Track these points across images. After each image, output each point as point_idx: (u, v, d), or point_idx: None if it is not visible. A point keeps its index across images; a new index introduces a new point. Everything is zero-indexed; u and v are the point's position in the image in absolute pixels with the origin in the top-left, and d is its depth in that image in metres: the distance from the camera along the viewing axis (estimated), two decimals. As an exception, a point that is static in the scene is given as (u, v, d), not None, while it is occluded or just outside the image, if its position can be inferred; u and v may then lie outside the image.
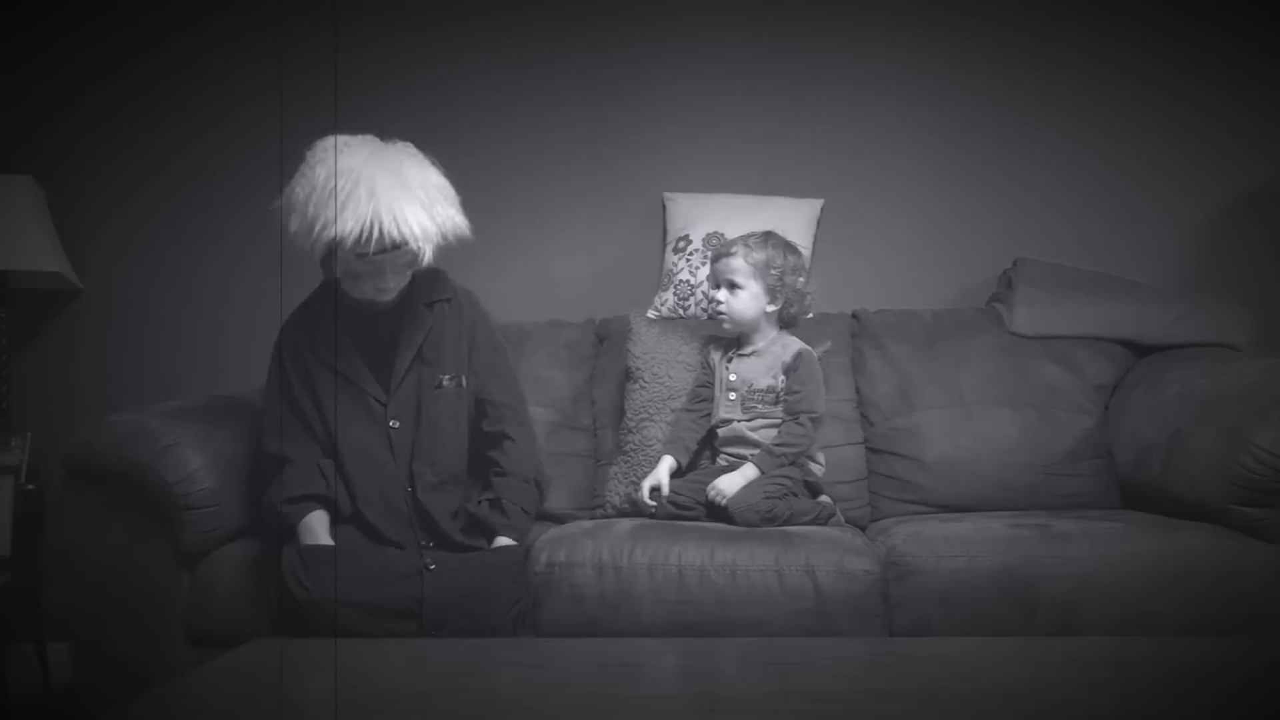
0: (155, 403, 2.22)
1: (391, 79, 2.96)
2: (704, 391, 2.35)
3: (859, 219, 2.87)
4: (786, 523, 2.10)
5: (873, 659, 1.54)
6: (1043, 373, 2.47)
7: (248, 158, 2.96)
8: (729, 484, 2.14)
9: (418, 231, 1.86)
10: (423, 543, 1.93)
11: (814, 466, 2.27)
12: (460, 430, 2.05)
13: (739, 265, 2.25)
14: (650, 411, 2.38)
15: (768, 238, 2.29)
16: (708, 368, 2.36)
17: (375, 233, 1.82)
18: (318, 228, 1.83)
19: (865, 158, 2.91)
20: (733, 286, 2.26)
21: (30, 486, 2.67)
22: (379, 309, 2.01)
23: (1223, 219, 2.84)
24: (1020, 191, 2.88)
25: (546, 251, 2.96)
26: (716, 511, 2.15)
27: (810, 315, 2.41)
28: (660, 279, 2.69)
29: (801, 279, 2.31)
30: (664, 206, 2.77)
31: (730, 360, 2.32)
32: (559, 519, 2.32)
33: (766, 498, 2.11)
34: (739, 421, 2.27)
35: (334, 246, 1.86)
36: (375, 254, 1.87)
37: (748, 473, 2.17)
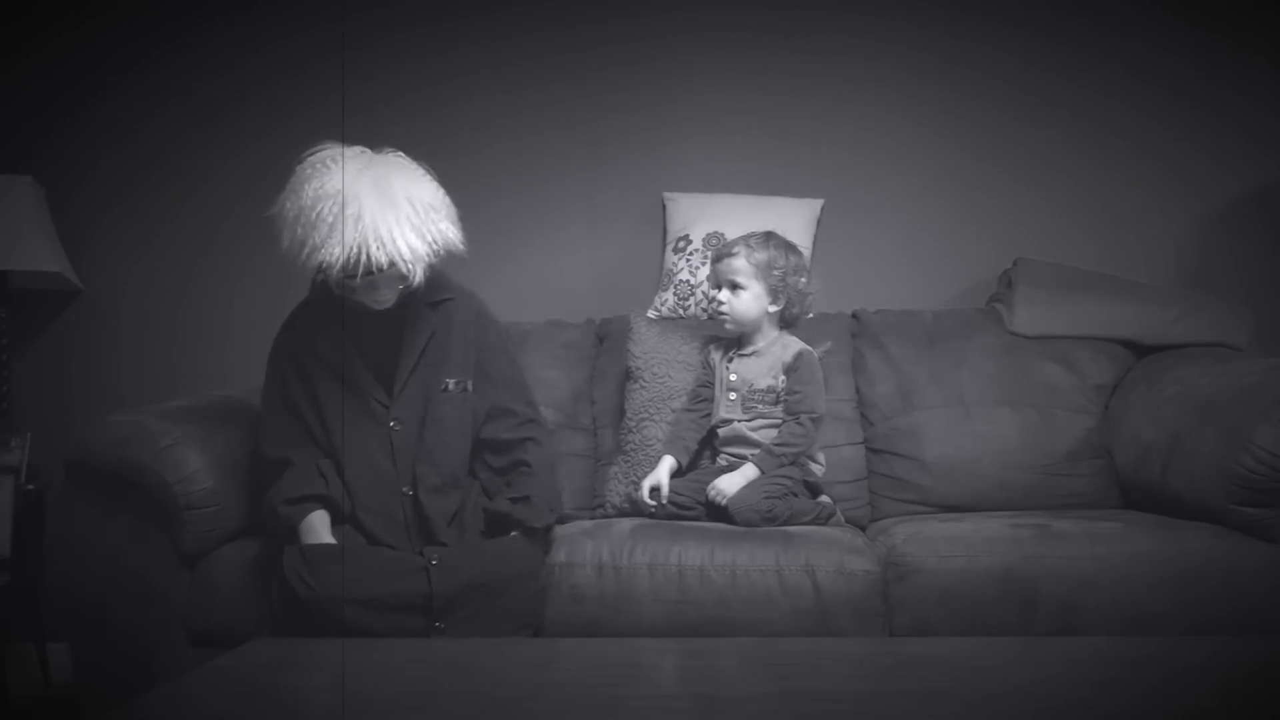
0: (155, 403, 2.22)
1: (392, 78, 2.96)
2: (704, 391, 2.35)
3: (859, 219, 2.87)
4: (786, 523, 2.10)
5: (873, 659, 1.54)
6: (1043, 373, 2.47)
7: (247, 158, 2.96)
8: (729, 484, 2.14)
9: (407, 254, 1.85)
10: (416, 549, 1.92)
11: (814, 466, 2.27)
12: (464, 433, 2.04)
13: (741, 266, 2.25)
14: (650, 411, 2.38)
15: (769, 238, 2.29)
16: (708, 368, 2.36)
17: (362, 258, 1.81)
18: (306, 251, 1.83)
19: (865, 157, 2.91)
20: (734, 287, 2.26)
21: (30, 486, 2.66)
22: (378, 311, 2.00)
23: (1223, 219, 2.84)
24: (1020, 191, 2.88)
25: (546, 251, 2.96)
26: (716, 511, 2.15)
27: (810, 315, 2.41)
28: (660, 279, 2.68)
29: (803, 279, 2.31)
30: (664, 206, 2.76)
31: (731, 360, 2.32)
32: (559, 519, 2.31)
33: (767, 498, 2.11)
34: (739, 421, 2.27)
35: (322, 269, 1.85)
36: (364, 276, 1.86)
37: (748, 473, 2.17)
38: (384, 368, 2.02)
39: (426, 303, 2.05)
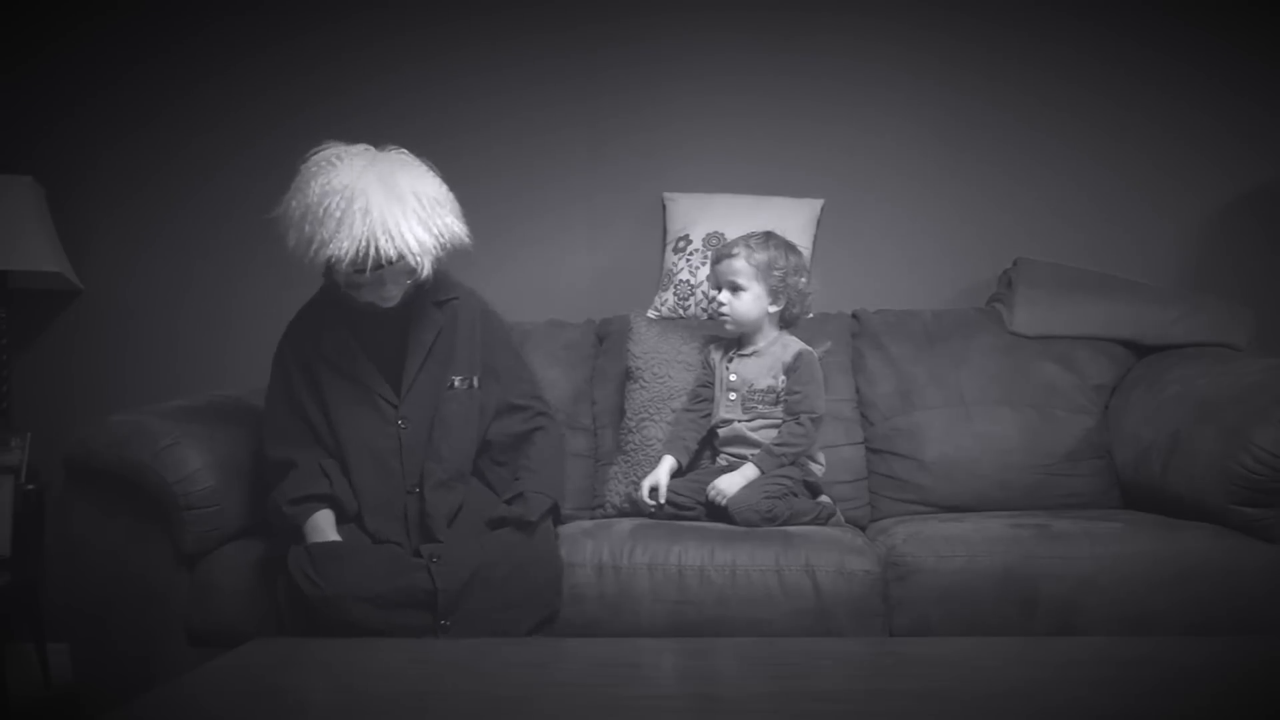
0: (155, 403, 2.22)
1: (392, 79, 2.96)
2: (704, 391, 2.35)
3: (859, 219, 2.87)
4: (786, 523, 2.10)
5: (873, 659, 1.54)
6: (1043, 373, 2.47)
7: (247, 157, 2.96)
8: (729, 484, 2.14)
9: (414, 246, 1.86)
10: (415, 547, 1.92)
11: (814, 466, 2.27)
12: (470, 430, 2.05)
13: (741, 267, 2.25)
14: (650, 411, 2.38)
15: (768, 238, 2.29)
16: (708, 368, 2.36)
17: (371, 251, 1.82)
18: (314, 246, 1.83)
19: (865, 158, 2.91)
20: (735, 289, 2.26)
21: (30, 486, 2.67)
22: (384, 309, 2.01)
23: (1222, 219, 2.84)
24: (1020, 191, 2.88)
25: (546, 251, 2.96)
26: (716, 511, 2.15)
27: (810, 315, 2.41)
28: (660, 279, 2.69)
29: (803, 279, 2.31)
30: (664, 206, 2.77)
31: (731, 360, 2.32)
32: (559, 517, 2.32)
33: (766, 498, 2.11)
34: (739, 421, 2.27)
35: (331, 264, 1.87)
36: (373, 270, 1.87)
37: (748, 473, 2.17)
38: (391, 366, 2.02)
39: (432, 302, 2.06)
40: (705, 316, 2.58)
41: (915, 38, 2.90)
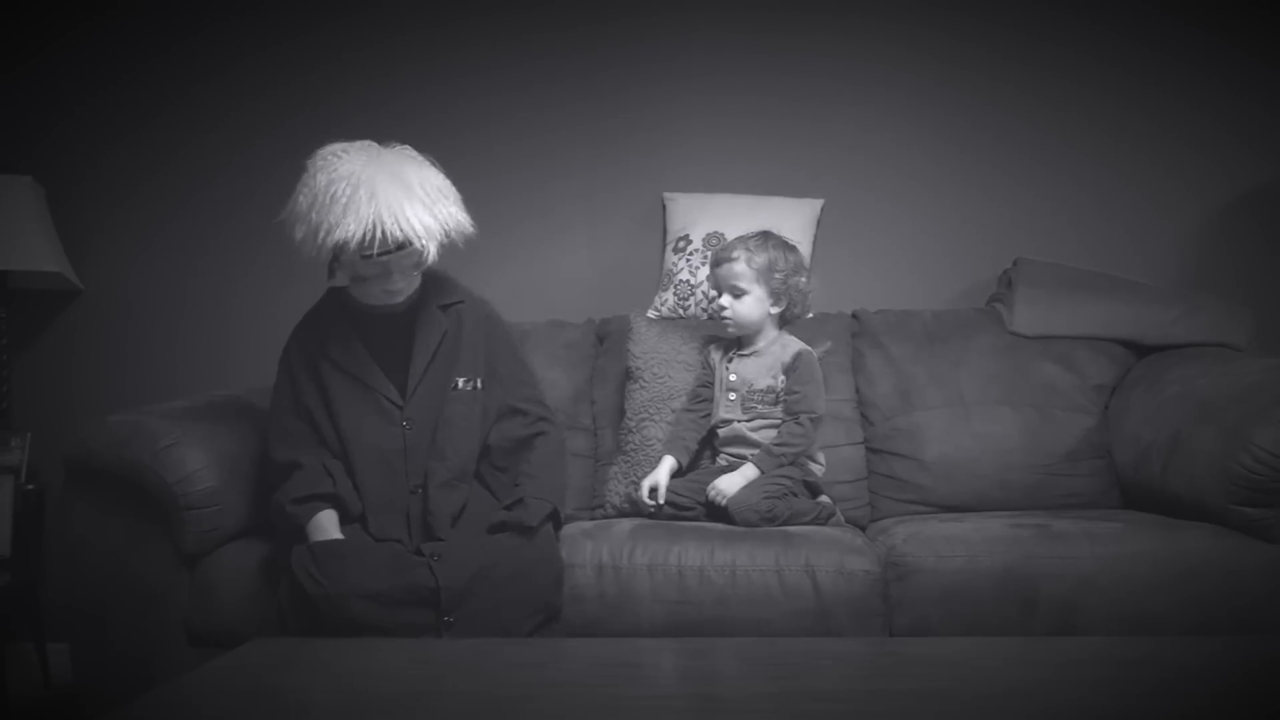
0: (155, 403, 2.22)
1: (392, 78, 2.96)
2: (704, 391, 2.35)
3: (859, 219, 2.87)
4: (786, 523, 2.10)
5: (873, 659, 1.54)
6: (1043, 373, 2.47)
7: (247, 157, 2.97)
8: (729, 484, 2.14)
9: (420, 230, 1.89)
10: (415, 546, 1.92)
11: (814, 466, 2.27)
12: (473, 430, 2.06)
13: (742, 271, 2.24)
14: (650, 411, 2.38)
15: (767, 238, 2.28)
16: (707, 368, 2.36)
17: (379, 233, 1.85)
18: (322, 233, 1.85)
19: (865, 157, 2.91)
20: (736, 292, 2.26)
21: (30, 486, 2.67)
22: (390, 312, 2.03)
23: (1222, 219, 2.84)
24: (1020, 191, 2.88)
25: (546, 251, 2.96)
26: (716, 511, 2.15)
27: (810, 315, 2.41)
28: (660, 279, 2.69)
29: (803, 279, 2.31)
30: (664, 206, 2.77)
31: (730, 360, 2.32)
32: (558, 521, 2.31)
33: (766, 498, 2.11)
34: (739, 422, 2.26)
35: (339, 251, 1.88)
36: (380, 255, 1.89)
37: (748, 473, 2.17)
38: (396, 369, 2.04)
39: (437, 305, 2.09)
40: (705, 316, 2.58)
41: (915, 38, 2.90)
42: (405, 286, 2.00)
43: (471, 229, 2.00)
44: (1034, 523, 2.04)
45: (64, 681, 2.62)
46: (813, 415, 2.22)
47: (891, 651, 1.63)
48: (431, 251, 1.93)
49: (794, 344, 2.28)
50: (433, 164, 1.99)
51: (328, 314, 2.09)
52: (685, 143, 2.93)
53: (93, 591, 2.05)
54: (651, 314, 2.64)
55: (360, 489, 1.97)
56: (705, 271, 2.55)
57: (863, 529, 2.28)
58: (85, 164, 3.00)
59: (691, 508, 2.18)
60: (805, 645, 1.66)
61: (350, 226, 1.84)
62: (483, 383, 2.08)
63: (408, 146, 1.99)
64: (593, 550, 1.98)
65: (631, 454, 2.37)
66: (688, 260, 2.63)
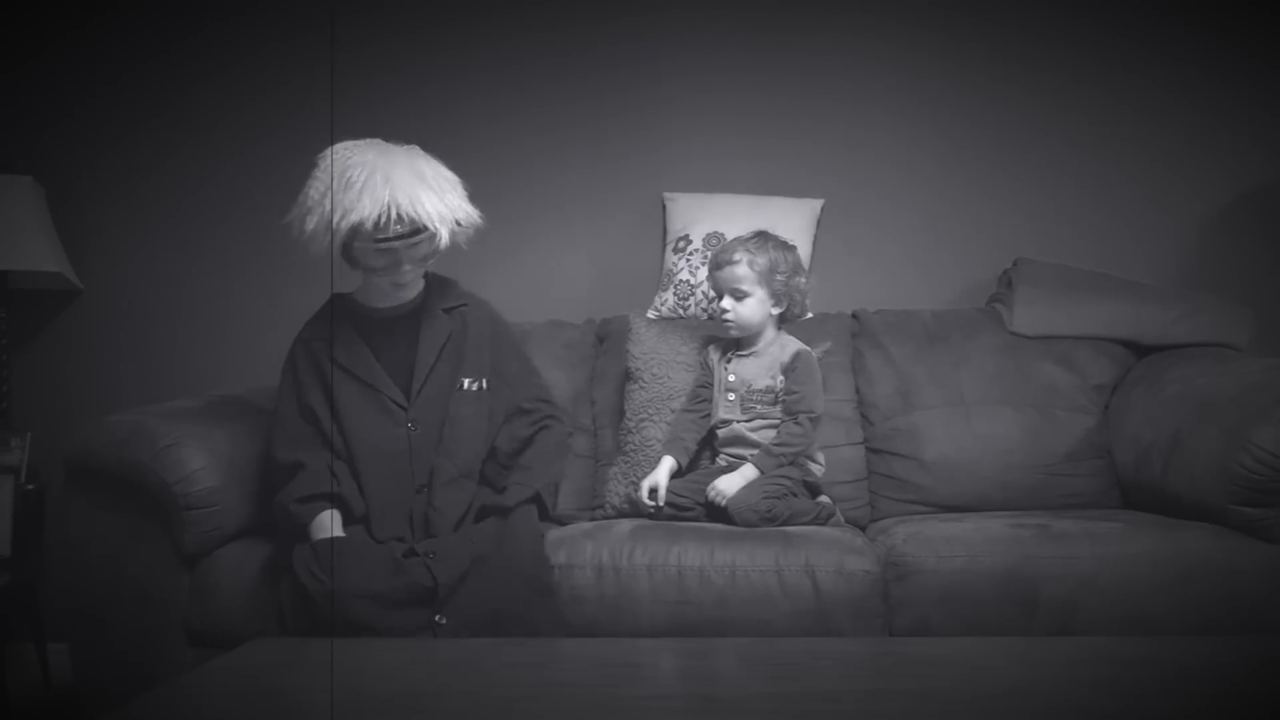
0: (155, 403, 2.22)
1: (391, 78, 2.96)
2: (703, 392, 2.34)
3: (859, 219, 2.87)
4: (786, 523, 2.10)
5: (873, 659, 1.54)
6: (1043, 373, 2.47)
7: (247, 157, 2.97)
8: (728, 484, 2.14)
9: (434, 214, 1.94)
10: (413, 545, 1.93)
11: (813, 466, 2.27)
12: (479, 430, 2.08)
13: (744, 274, 2.24)
14: (650, 412, 2.38)
15: (766, 239, 2.28)
16: (706, 368, 2.36)
17: (394, 214, 1.90)
18: (337, 217, 1.89)
19: (865, 157, 2.91)
20: (738, 295, 2.25)
21: (30, 486, 2.66)
22: (394, 315, 2.05)
23: (1223, 218, 2.84)
24: (1021, 191, 2.88)
25: (546, 251, 2.96)
26: (716, 512, 2.14)
27: (810, 315, 2.41)
28: (660, 279, 2.68)
29: (802, 279, 2.31)
30: (664, 206, 2.76)
31: (729, 361, 2.31)
32: (559, 520, 2.32)
33: (766, 498, 2.11)
34: (738, 422, 2.26)
35: (352, 237, 1.93)
36: (394, 239, 1.92)
37: (747, 473, 2.16)
38: (400, 370, 2.06)
39: (441, 308, 2.12)
40: (705, 316, 2.58)
41: (915, 37, 2.90)
42: (414, 278, 2.04)
43: (480, 220, 2.05)
44: (1034, 523, 2.04)
45: (64, 681, 2.62)
46: (812, 415, 2.22)
47: (891, 651, 1.63)
48: (444, 237, 1.97)
49: (793, 344, 2.28)
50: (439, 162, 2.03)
51: (333, 316, 2.10)
52: (685, 142, 2.93)
53: (92, 592, 2.05)
54: (651, 314, 2.64)
55: (364, 490, 1.97)
56: (705, 271, 2.55)
57: (863, 529, 2.28)
58: (85, 164, 3.01)
59: (691, 508, 2.18)
60: (805, 645, 1.66)
61: (366, 208, 1.89)
62: (488, 384, 2.11)
63: (415, 146, 2.04)
64: (593, 551, 1.98)
65: (631, 454, 2.37)
66: (688, 260, 2.63)
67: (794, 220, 2.59)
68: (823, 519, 2.18)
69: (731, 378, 2.29)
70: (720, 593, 1.91)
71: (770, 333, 2.30)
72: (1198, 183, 2.84)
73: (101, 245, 2.99)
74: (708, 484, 2.17)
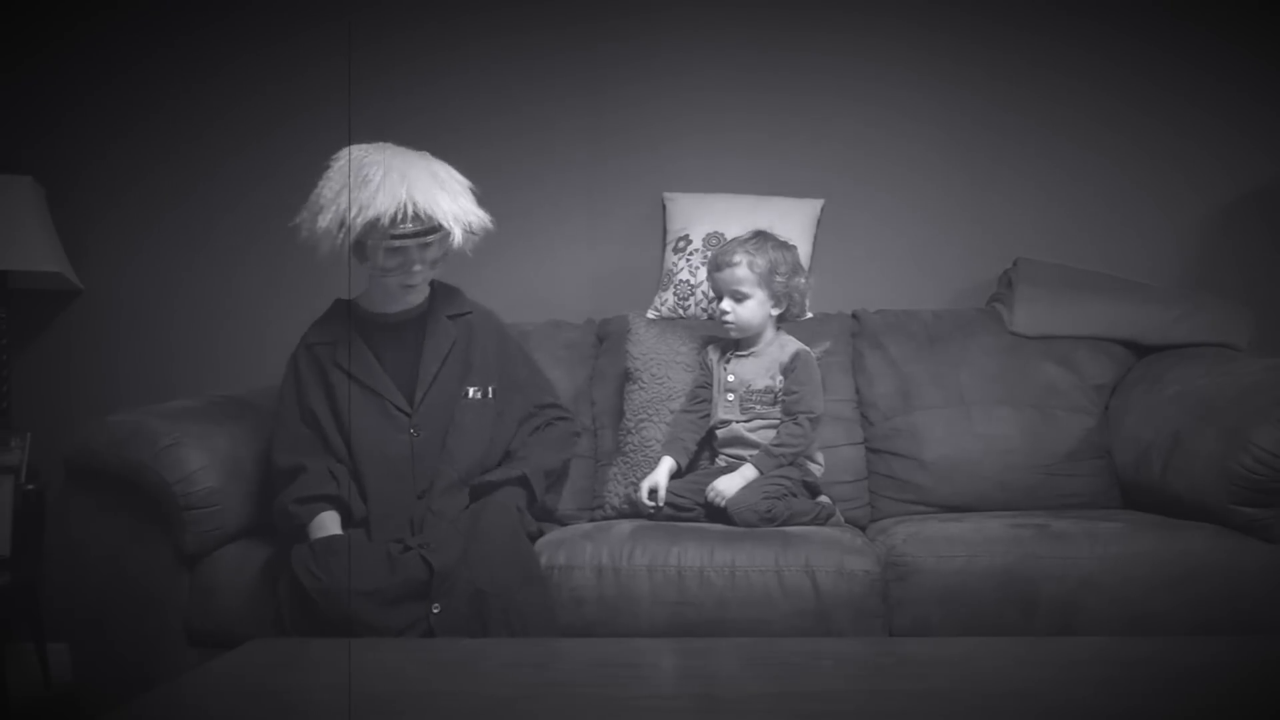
0: (155, 403, 2.22)
1: (391, 76, 2.96)
2: (703, 393, 2.34)
3: (859, 219, 2.87)
4: (785, 523, 2.10)
5: (873, 659, 1.54)
6: (1043, 373, 2.47)
7: (247, 157, 2.97)
8: (728, 485, 2.14)
9: (449, 214, 1.97)
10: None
11: (813, 467, 2.27)
12: (482, 438, 2.10)
13: (744, 275, 2.24)
14: (649, 412, 2.38)
15: (765, 240, 2.28)
16: (705, 368, 2.36)
17: (409, 212, 1.93)
18: (353, 213, 1.92)
19: (865, 157, 2.91)
20: (739, 297, 2.25)
21: (30, 486, 2.66)
22: (398, 321, 2.07)
23: (1224, 218, 2.84)
24: (1021, 191, 2.88)
25: (546, 251, 2.96)
26: (715, 512, 2.14)
27: (810, 315, 2.40)
28: (660, 279, 2.68)
29: (802, 279, 2.31)
30: (664, 206, 2.76)
31: (728, 361, 2.31)
32: (559, 520, 2.32)
33: (765, 498, 2.11)
34: (737, 422, 2.26)
35: (366, 234, 1.94)
36: (408, 236, 1.94)
37: (746, 473, 2.16)
38: (404, 376, 2.07)
39: (447, 315, 2.14)
40: (705, 316, 2.58)
41: (915, 36, 2.90)
42: (421, 283, 2.06)
43: (491, 225, 2.08)
44: (1034, 523, 2.04)
45: (64, 681, 2.61)
46: (811, 415, 2.22)
47: (891, 651, 1.63)
48: (457, 235, 1.99)
49: (792, 344, 2.28)
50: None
51: (335, 322, 2.12)
52: (685, 142, 2.93)
53: (92, 592, 2.05)
54: (651, 314, 2.64)
55: (366, 494, 1.98)
56: (705, 272, 2.54)
57: (863, 529, 2.28)
58: (85, 164, 3.00)
59: (691, 509, 2.18)
60: (805, 645, 1.66)
61: (383, 204, 1.91)
62: (494, 392, 2.13)
63: (425, 152, 2.06)
64: (592, 552, 1.98)
65: (631, 455, 2.37)
66: (688, 260, 2.63)
67: (794, 220, 2.59)
68: (822, 519, 2.18)
69: (731, 378, 2.29)
70: (720, 593, 1.91)
71: (769, 333, 2.30)
72: (1199, 182, 2.84)
73: (101, 245, 2.99)
74: (707, 484, 2.17)
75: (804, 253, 2.52)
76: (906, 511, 2.37)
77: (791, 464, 2.20)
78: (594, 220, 2.96)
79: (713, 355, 2.35)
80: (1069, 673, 1.40)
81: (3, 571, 2.53)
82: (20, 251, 2.76)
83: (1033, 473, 2.37)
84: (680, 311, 2.62)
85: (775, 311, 2.28)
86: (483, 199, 2.11)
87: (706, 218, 2.66)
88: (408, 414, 2.04)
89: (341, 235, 1.95)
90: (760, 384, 2.26)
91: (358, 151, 2.00)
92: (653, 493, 2.20)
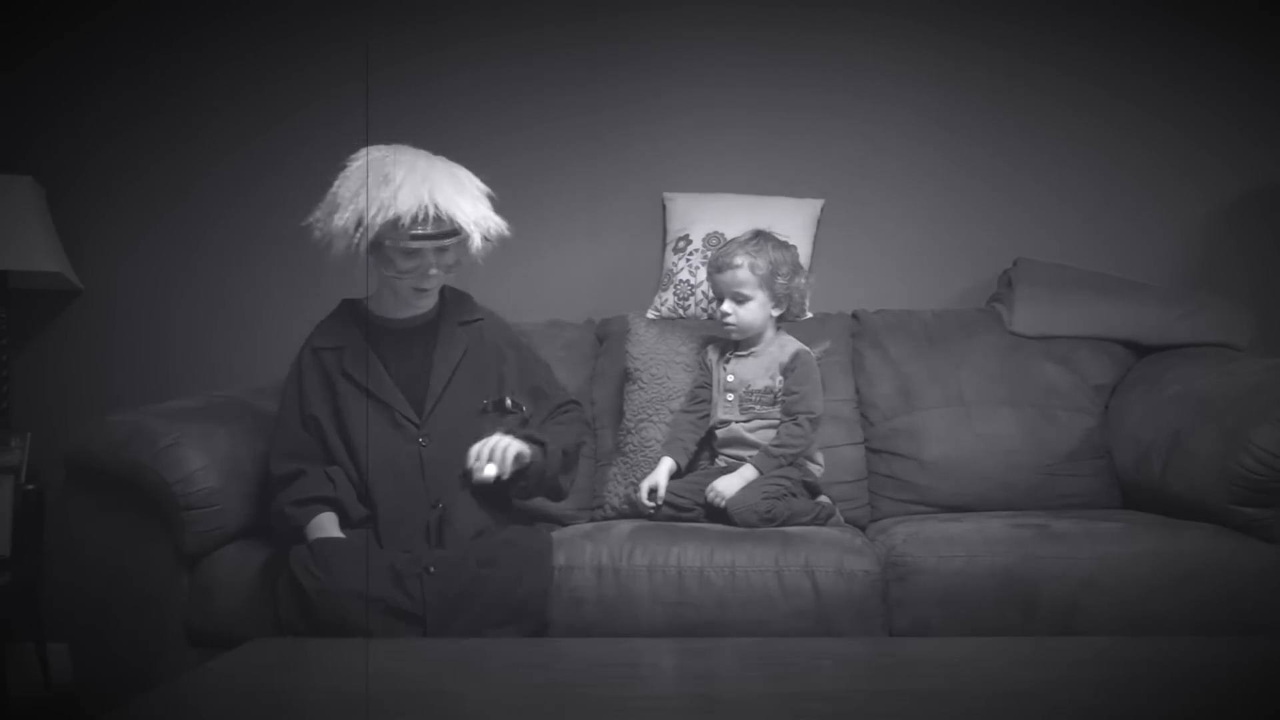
0: (155, 403, 2.22)
1: (391, 76, 2.95)
2: (702, 393, 2.34)
3: (859, 219, 2.87)
4: (785, 523, 2.10)
5: (873, 659, 1.54)
6: (1043, 373, 2.47)
7: (247, 156, 2.96)
8: (728, 485, 2.14)
9: (469, 216, 1.96)
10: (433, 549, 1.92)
11: (813, 467, 2.27)
12: None
13: (745, 278, 2.23)
14: (649, 412, 2.38)
15: (764, 240, 2.27)
16: (705, 369, 2.36)
17: (430, 213, 1.92)
18: (373, 211, 1.90)
19: (866, 157, 2.91)
20: (740, 299, 2.25)
21: (30, 486, 2.66)
22: (407, 327, 2.05)
23: (1225, 218, 2.84)
24: (1021, 191, 2.88)
25: (546, 251, 2.95)
26: (715, 513, 2.14)
27: (810, 315, 2.40)
28: (660, 279, 2.68)
29: (802, 279, 2.31)
30: (664, 206, 2.76)
31: (728, 361, 2.31)
32: (559, 521, 2.32)
33: (765, 498, 2.11)
34: (737, 423, 2.26)
35: (384, 234, 1.92)
36: (428, 238, 1.93)
37: (746, 474, 2.16)
38: (412, 384, 2.04)
39: (458, 322, 2.11)
40: (705, 317, 2.58)
41: (915, 35, 2.90)
42: (437, 284, 2.04)
43: (508, 232, 2.06)
44: (1034, 523, 2.04)
45: (64, 681, 2.62)
46: (811, 416, 2.22)
47: (891, 652, 1.63)
48: (476, 240, 1.99)
49: (792, 344, 2.28)
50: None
51: (342, 326, 2.09)
52: (685, 142, 2.93)
53: (92, 592, 2.05)
54: (651, 314, 2.64)
55: (374, 502, 1.96)
56: (705, 272, 2.54)
57: (862, 529, 2.28)
58: (84, 164, 3.00)
59: (690, 509, 2.18)
60: (805, 645, 1.66)
61: (404, 203, 1.90)
62: (513, 402, 2.10)
63: (443, 157, 2.06)
64: (592, 552, 1.97)
65: (630, 455, 2.37)
66: (688, 260, 2.63)
67: (794, 220, 2.59)
68: (822, 519, 2.18)
69: (730, 378, 2.29)
70: (720, 593, 1.91)
71: (770, 333, 2.30)
72: (1201, 182, 2.84)
73: (101, 245, 2.99)
74: (707, 485, 2.17)
75: (804, 253, 2.52)
76: (906, 511, 2.37)
77: (791, 464, 2.20)
78: (594, 220, 2.96)
79: (712, 355, 2.35)
80: (1069, 673, 1.40)
81: (3, 571, 2.53)
82: (20, 251, 2.76)
83: (1033, 473, 2.37)
84: (680, 311, 2.61)
85: (776, 312, 2.28)
86: (496, 204, 2.11)
87: (706, 217, 2.66)
88: (416, 424, 2.01)
89: (359, 235, 1.92)
90: (760, 384, 2.26)
91: (376, 152, 1.98)
92: (652, 493, 2.20)
